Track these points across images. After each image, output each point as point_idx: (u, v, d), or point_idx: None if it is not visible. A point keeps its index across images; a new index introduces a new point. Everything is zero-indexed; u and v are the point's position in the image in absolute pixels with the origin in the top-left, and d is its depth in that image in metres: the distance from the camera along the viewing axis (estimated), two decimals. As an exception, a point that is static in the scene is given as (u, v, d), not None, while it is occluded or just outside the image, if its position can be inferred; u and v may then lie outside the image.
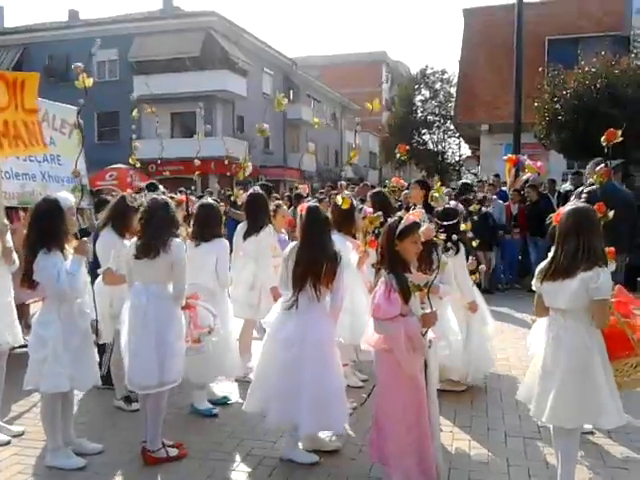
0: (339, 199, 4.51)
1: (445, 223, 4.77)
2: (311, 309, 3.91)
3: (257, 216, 5.49)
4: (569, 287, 3.19)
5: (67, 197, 3.98)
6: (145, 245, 3.90)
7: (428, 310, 3.42)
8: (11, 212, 6.09)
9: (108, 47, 29.12)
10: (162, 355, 3.84)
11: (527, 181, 11.08)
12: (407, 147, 6.56)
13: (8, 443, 4.30)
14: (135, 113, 5.81)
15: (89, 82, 3.82)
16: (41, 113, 6.51)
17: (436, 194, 4.65)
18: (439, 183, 4.74)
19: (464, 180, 14.91)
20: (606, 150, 4.09)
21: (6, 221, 4.37)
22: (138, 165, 5.72)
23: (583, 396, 3.18)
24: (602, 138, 4.13)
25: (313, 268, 3.86)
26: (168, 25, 28.81)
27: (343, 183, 5.03)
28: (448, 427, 4.46)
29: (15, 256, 4.39)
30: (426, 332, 3.39)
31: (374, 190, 7.15)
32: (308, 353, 3.83)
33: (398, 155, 6.50)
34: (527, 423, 4.40)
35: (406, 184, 7.51)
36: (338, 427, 4.00)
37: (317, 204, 4.13)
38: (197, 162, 6.10)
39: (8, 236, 4.41)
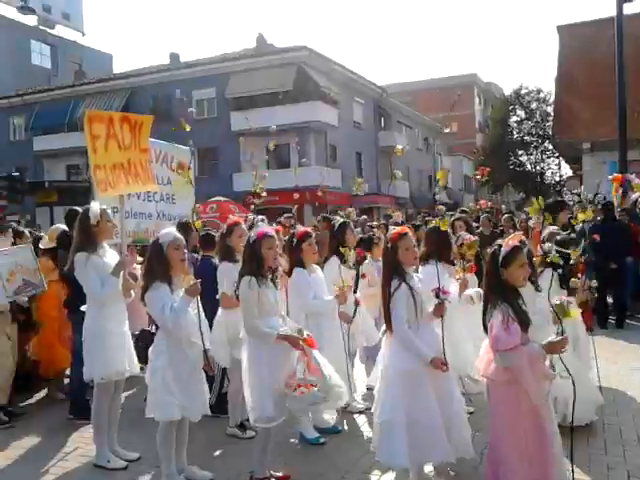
0: (437, 222, 4.43)
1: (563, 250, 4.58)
2: (387, 340, 3.99)
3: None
4: None
5: (168, 232, 4.12)
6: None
7: (553, 337, 3.29)
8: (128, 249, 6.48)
9: (206, 86, 30.72)
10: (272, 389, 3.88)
11: (636, 201, 10.47)
12: (488, 169, 6.40)
13: (125, 468, 4.51)
14: (240, 141, 6.02)
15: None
16: (160, 154, 6.92)
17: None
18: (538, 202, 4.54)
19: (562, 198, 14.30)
20: None
21: (128, 255, 4.64)
22: (264, 194, 5.86)
23: None
24: None
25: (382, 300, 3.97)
26: (262, 62, 29.92)
27: (442, 208, 4.96)
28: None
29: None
30: (551, 360, 3.26)
31: (458, 216, 7.03)
32: (382, 385, 3.95)
33: (478, 177, 6.34)
34: (651, 462, 4.09)
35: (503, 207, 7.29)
36: (435, 458, 3.89)
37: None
38: (296, 196, 6.28)
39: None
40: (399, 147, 5.14)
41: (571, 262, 4.68)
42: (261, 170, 5.98)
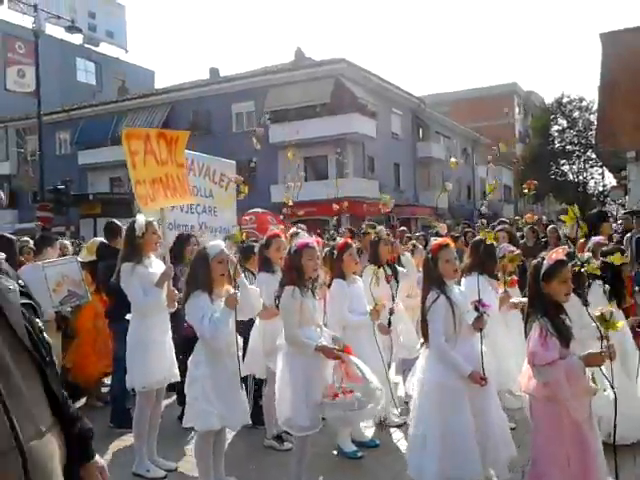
0: (482, 234, 4.36)
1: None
2: (425, 352, 3.97)
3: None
4: None
5: (216, 245, 4.15)
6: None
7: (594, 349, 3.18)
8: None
9: (245, 99, 31.09)
10: (309, 398, 3.88)
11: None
12: (535, 182, 6.28)
13: (164, 478, 4.55)
14: (288, 153, 6.16)
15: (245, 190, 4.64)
16: (202, 167, 7.05)
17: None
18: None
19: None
20: None
21: (171, 265, 4.72)
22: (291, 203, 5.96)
23: None
24: None
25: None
26: (300, 75, 30.09)
27: (484, 221, 4.90)
28: (609, 485, 4.08)
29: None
30: (592, 374, 3.16)
31: (501, 227, 6.91)
32: (417, 398, 3.90)
33: (526, 191, 6.23)
34: None
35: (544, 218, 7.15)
36: (464, 476, 3.70)
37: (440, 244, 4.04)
38: (335, 207, 6.32)
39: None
40: (453, 160, 5.13)
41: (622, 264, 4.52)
42: (288, 182, 6.11)
